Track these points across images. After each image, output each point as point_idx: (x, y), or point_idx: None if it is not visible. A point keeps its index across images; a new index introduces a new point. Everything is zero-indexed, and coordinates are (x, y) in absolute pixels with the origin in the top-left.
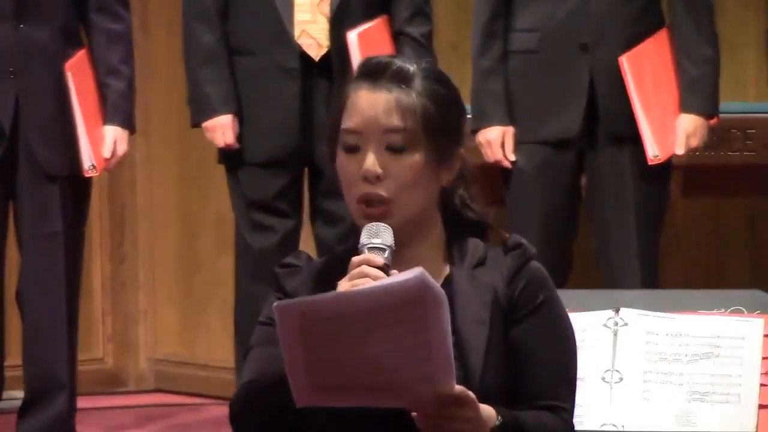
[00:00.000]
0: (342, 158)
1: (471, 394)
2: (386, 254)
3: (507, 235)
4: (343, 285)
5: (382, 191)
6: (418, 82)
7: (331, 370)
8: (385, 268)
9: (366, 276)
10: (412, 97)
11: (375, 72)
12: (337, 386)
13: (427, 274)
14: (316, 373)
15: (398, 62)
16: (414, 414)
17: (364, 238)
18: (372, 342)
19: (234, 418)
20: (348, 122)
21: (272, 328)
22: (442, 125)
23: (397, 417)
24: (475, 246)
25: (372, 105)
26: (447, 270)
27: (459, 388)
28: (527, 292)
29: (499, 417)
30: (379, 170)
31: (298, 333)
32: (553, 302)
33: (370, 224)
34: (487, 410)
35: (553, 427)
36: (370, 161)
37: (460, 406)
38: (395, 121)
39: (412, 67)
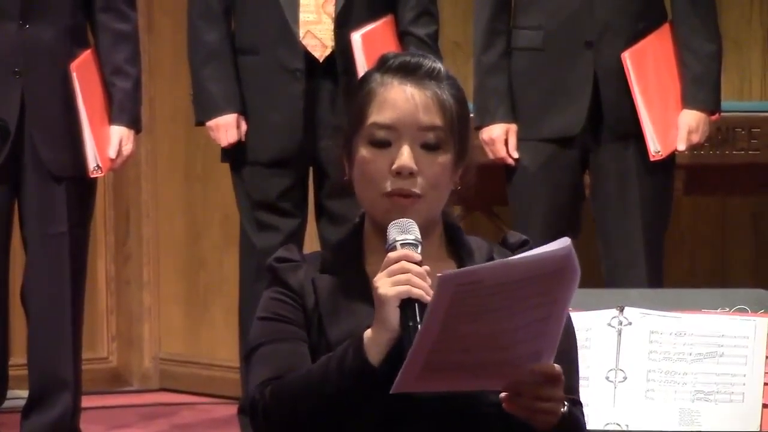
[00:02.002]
0: (367, 153)
1: (563, 374)
2: (419, 249)
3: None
4: (382, 279)
5: (414, 188)
6: (445, 82)
7: (454, 349)
8: (420, 264)
9: (409, 272)
10: (447, 95)
11: (406, 68)
12: (448, 368)
13: (572, 247)
14: (437, 353)
15: (428, 61)
16: (503, 395)
17: (395, 234)
18: (508, 315)
19: (264, 417)
20: (379, 117)
21: (281, 324)
22: (465, 126)
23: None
24: (477, 243)
25: (408, 100)
26: (453, 266)
27: (557, 366)
28: None
29: (566, 403)
30: (414, 166)
31: (447, 305)
32: None
33: (396, 221)
34: None
35: (581, 419)
36: (407, 157)
37: (555, 384)
38: (434, 118)
39: (441, 67)
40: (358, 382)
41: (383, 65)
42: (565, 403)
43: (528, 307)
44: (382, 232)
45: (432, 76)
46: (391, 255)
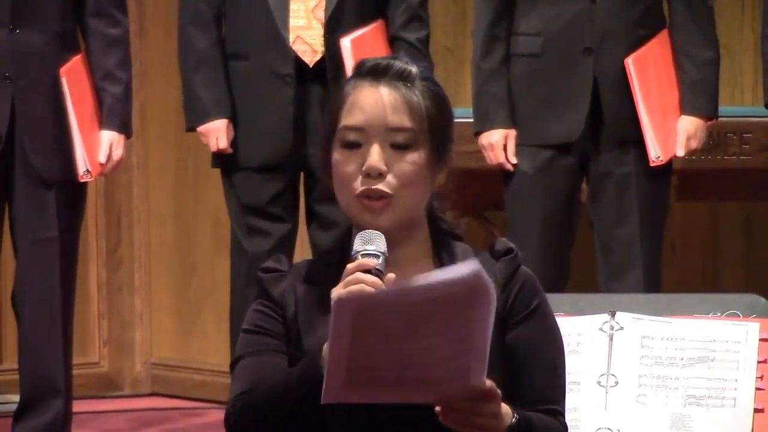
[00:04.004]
0: (340, 155)
1: (497, 389)
2: (380, 260)
3: (497, 239)
4: (337, 292)
5: (383, 187)
6: (418, 83)
7: (372, 365)
8: (378, 274)
9: (361, 282)
10: (417, 95)
11: (376, 71)
12: (371, 382)
13: (482, 267)
14: (355, 368)
15: (399, 63)
16: (438, 409)
17: (357, 245)
18: (419, 336)
19: (233, 429)
20: (350, 119)
21: (261, 336)
22: (441, 126)
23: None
24: (463, 251)
25: (376, 102)
26: (433, 269)
27: (489, 382)
28: (521, 297)
29: (515, 415)
30: (383, 166)
31: (349, 327)
32: (545, 306)
33: (363, 232)
34: (504, 407)
35: (554, 429)
36: (375, 157)
37: (488, 400)
38: (402, 118)
39: (413, 69)
40: (315, 392)
41: (356, 70)
42: (515, 415)
43: (443, 329)
44: None
45: (402, 77)
46: (349, 266)
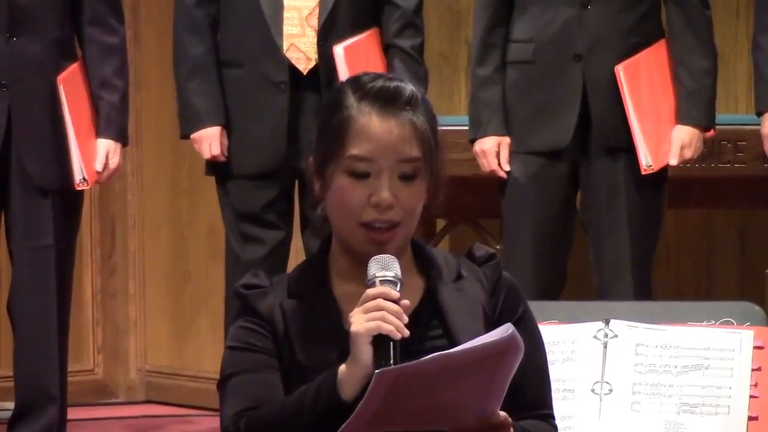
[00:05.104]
0: (345, 182)
1: (509, 419)
2: (398, 287)
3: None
4: (357, 315)
5: (393, 217)
6: (420, 107)
7: (396, 413)
8: (397, 302)
9: (383, 309)
10: (424, 124)
11: (384, 97)
12: (393, 422)
13: (515, 329)
14: (380, 416)
15: (405, 87)
16: None
17: (375, 271)
18: (449, 389)
19: None
20: (359, 149)
21: (251, 353)
22: (438, 150)
23: None
24: (444, 258)
25: (388, 132)
26: (421, 282)
27: (503, 414)
28: (509, 304)
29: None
30: (394, 199)
31: (385, 392)
32: (530, 311)
33: (377, 256)
34: None
35: None
36: (387, 191)
37: (500, 430)
38: (413, 150)
39: (417, 92)
40: (332, 419)
41: (360, 89)
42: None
43: (471, 381)
44: (350, 255)
45: (409, 104)
46: (369, 291)
